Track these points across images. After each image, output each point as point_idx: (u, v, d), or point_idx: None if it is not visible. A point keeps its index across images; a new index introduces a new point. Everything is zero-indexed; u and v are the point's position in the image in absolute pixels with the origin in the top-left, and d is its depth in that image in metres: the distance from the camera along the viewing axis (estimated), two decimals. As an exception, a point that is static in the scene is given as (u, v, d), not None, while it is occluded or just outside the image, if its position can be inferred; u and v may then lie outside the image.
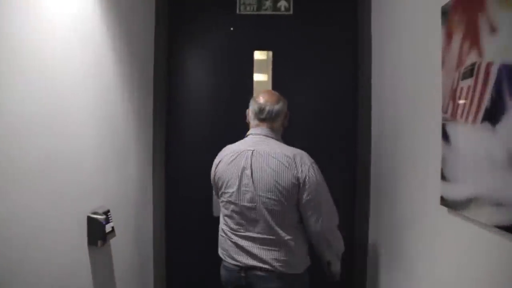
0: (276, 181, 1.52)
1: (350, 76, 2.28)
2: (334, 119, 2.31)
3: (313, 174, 1.54)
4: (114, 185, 1.71)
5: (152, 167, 2.24)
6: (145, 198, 2.17)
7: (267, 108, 1.64)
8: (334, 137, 2.31)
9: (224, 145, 1.74)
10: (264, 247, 1.55)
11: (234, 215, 1.60)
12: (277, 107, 1.66)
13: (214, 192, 1.77)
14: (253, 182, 1.55)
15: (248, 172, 1.56)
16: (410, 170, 1.46)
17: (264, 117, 1.65)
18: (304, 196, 1.52)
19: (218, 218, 1.74)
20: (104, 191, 1.60)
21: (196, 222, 2.33)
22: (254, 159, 1.57)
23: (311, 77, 2.33)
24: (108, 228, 1.49)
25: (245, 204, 1.56)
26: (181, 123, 2.36)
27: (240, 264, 1.57)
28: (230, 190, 1.60)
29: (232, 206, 1.60)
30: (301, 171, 1.52)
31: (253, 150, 1.58)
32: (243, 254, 1.57)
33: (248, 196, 1.56)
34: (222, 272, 1.68)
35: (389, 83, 1.82)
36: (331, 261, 1.66)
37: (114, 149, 1.71)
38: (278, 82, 2.30)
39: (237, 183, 1.58)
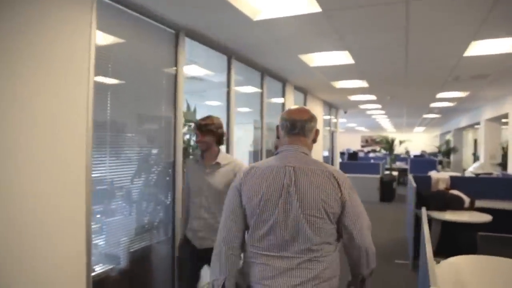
0: (322, 200, 1.53)
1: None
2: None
3: (353, 192, 1.61)
4: None
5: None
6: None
7: (298, 123, 1.66)
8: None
9: None
10: (303, 266, 1.52)
11: (270, 234, 1.56)
12: (308, 122, 1.68)
13: (229, 220, 1.64)
14: (298, 200, 1.53)
15: (292, 189, 1.54)
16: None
17: (297, 132, 1.67)
18: (349, 214, 1.57)
19: None
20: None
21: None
22: (297, 177, 1.56)
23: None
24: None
25: (286, 222, 1.54)
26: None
27: None
28: (270, 208, 1.55)
29: (268, 224, 1.55)
30: (344, 189, 1.57)
31: (294, 167, 1.58)
32: (278, 276, 1.53)
33: (290, 214, 1.53)
34: None
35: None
36: (365, 276, 1.67)
37: None
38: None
39: (279, 201, 1.55)
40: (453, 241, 4.60)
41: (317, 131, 1.74)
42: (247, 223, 1.63)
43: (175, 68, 3.35)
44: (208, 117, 2.60)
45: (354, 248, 1.60)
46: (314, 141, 1.75)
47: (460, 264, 2.47)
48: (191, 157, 3.40)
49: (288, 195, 1.54)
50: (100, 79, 2.61)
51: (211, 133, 2.54)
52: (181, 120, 3.35)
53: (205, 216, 2.52)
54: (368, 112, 12.42)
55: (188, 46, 3.56)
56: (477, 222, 4.36)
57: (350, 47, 4.04)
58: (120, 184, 2.88)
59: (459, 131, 15.22)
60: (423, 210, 3.03)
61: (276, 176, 1.57)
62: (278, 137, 1.76)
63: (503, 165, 9.01)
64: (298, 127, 1.66)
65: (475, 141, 16.50)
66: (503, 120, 9.11)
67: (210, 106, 5.34)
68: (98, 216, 2.64)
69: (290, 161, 1.61)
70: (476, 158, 14.81)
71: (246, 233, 1.66)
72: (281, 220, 1.54)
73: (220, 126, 2.60)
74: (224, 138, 2.66)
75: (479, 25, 3.25)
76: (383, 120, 16.47)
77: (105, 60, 2.64)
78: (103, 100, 2.67)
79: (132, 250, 2.87)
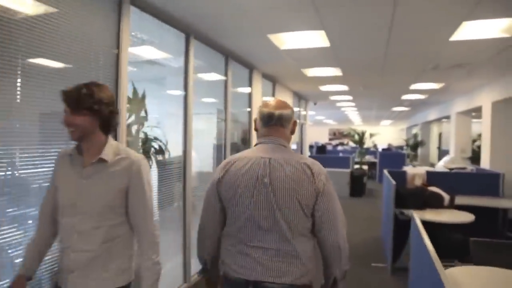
0: (296, 191, 1.53)
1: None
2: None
3: (328, 184, 1.58)
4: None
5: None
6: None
7: (276, 114, 1.65)
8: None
9: None
10: (277, 258, 1.53)
11: (247, 225, 1.57)
12: (285, 112, 1.67)
13: (207, 205, 1.69)
14: (272, 191, 1.54)
15: (266, 180, 1.55)
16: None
17: (274, 123, 1.66)
18: (322, 206, 1.55)
19: None
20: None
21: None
22: (272, 168, 1.56)
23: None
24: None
25: (261, 213, 1.54)
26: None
27: (250, 279, 1.54)
28: (246, 199, 1.56)
29: (245, 216, 1.57)
30: (319, 180, 1.55)
31: (269, 158, 1.58)
32: (253, 266, 1.55)
33: (265, 205, 1.54)
34: None
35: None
36: (338, 277, 1.62)
37: None
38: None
39: (254, 192, 1.55)
40: (436, 242, 4.26)
41: (295, 122, 1.74)
42: (226, 214, 1.66)
43: (116, 46, 2.71)
44: (86, 85, 1.58)
45: (326, 241, 1.58)
46: (292, 132, 1.74)
47: (456, 275, 2.24)
48: (62, 149, 1.84)
49: (263, 186, 1.54)
50: (6, 57, 1.94)
51: (89, 112, 1.56)
52: (124, 108, 2.72)
53: (81, 246, 1.57)
54: (338, 104, 12.15)
55: (139, 20, 2.94)
56: (461, 222, 4.02)
57: (326, 26, 3.53)
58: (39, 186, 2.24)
59: (427, 124, 15.26)
60: (415, 214, 2.61)
61: (251, 168, 1.58)
62: (256, 129, 1.74)
63: (473, 158, 8.91)
64: (275, 118, 1.65)
65: (440, 135, 16.66)
66: (473, 114, 9.01)
67: (172, 96, 4.73)
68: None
69: (266, 153, 1.61)
70: (441, 151, 14.91)
71: (225, 224, 1.69)
72: (256, 212, 1.55)
73: (106, 101, 1.61)
74: (115, 119, 1.68)
75: (474, 2, 2.82)
76: (352, 113, 16.36)
77: (12, 31, 1.97)
78: (11, 84, 2.01)
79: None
